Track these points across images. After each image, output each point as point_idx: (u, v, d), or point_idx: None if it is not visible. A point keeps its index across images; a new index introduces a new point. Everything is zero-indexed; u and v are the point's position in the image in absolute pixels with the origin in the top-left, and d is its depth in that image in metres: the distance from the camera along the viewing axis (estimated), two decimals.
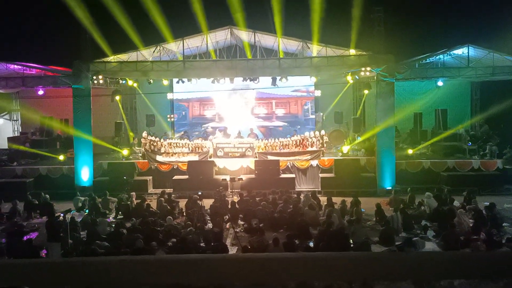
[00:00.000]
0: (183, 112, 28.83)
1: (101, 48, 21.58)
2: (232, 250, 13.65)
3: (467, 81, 25.95)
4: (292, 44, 23.35)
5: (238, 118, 27.71)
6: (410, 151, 22.78)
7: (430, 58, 22.48)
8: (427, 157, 23.00)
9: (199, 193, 18.37)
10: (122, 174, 21.67)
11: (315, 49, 22.42)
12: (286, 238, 13.05)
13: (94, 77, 21.87)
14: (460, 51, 22.02)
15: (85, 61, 21.64)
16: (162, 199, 18.40)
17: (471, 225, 14.63)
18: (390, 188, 20.66)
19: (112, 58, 22.39)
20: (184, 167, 22.43)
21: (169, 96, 27.59)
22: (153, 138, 23.36)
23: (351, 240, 13.39)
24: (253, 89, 25.28)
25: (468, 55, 21.43)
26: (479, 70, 21.49)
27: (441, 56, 22.43)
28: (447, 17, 25.24)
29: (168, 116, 27.75)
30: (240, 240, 13.96)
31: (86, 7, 19.79)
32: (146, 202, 17.98)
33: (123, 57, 22.70)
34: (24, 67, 22.38)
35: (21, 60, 22.85)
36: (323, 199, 18.74)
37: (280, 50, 22.63)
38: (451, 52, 22.19)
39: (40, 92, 24.23)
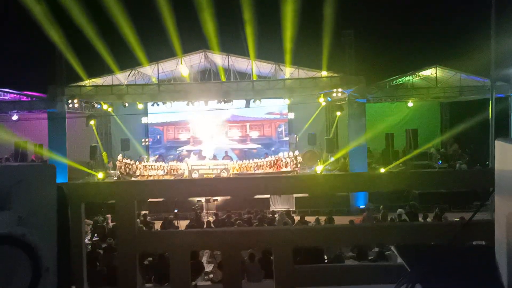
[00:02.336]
0: (158, 136, 28.80)
1: (76, 72, 21.58)
2: (208, 268, 13.55)
3: (437, 102, 26.83)
4: (265, 67, 23.84)
5: (213, 141, 27.82)
6: (382, 170, 23.16)
7: (400, 80, 23.24)
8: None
9: (175, 210, 18.30)
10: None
11: (288, 71, 22.95)
12: (261, 254, 13.03)
13: (69, 101, 21.77)
14: (429, 72, 22.87)
15: (60, 85, 21.57)
16: (138, 220, 18.17)
17: None
18: (363, 206, 20.92)
19: (87, 82, 22.41)
20: None
21: (144, 120, 27.62)
22: (128, 161, 23.23)
23: (325, 256, 13.45)
24: (227, 109, 25.49)
25: (436, 75, 22.27)
26: (447, 90, 22.33)
27: (410, 78, 23.22)
28: (416, 39, 26.23)
29: (143, 140, 27.69)
30: (216, 257, 13.88)
31: (61, 31, 19.87)
32: None
33: (98, 81, 22.74)
34: None
35: None
36: (298, 219, 18.80)
37: (254, 73, 23.06)
38: (420, 73, 23.01)
39: (14, 118, 23.89)
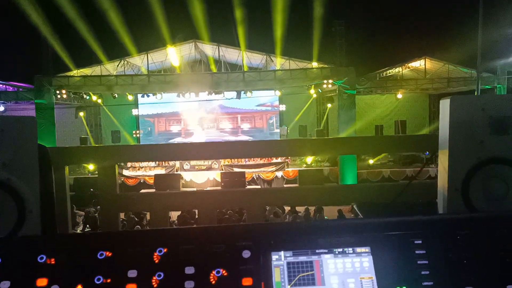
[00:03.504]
0: (149, 128, 28.59)
1: (63, 62, 21.30)
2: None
3: (426, 94, 26.98)
4: (256, 58, 23.75)
5: (204, 132, 27.70)
6: (371, 161, 23.30)
7: (390, 71, 23.32)
8: (388, 167, 23.57)
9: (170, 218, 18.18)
10: (89, 188, 21.22)
11: (279, 62, 22.88)
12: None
13: (57, 92, 21.46)
14: (418, 64, 22.96)
15: (47, 75, 21.26)
16: (125, 219, 18.06)
17: None
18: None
19: (75, 72, 22.12)
20: (151, 181, 22.14)
21: (134, 112, 27.37)
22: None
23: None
24: (217, 99, 25.40)
25: (425, 67, 22.38)
26: (435, 81, 22.44)
27: (400, 69, 23.30)
28: (406, 30, 26.34)
29: (134, 132, 27.44)
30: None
31: (47, 20, 19.56)
32: None
33: (86, 71, 22.47)
34: None
35: None
36: (288, 208, 18.82)
37: (244, 64, 22.97)
38: (409, 65, 23.11)
39: (1, 109, 23.52)
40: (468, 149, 1.86)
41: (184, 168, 22.56)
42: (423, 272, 1.30)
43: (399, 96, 25.84)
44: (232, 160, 22.80)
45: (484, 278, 1.29)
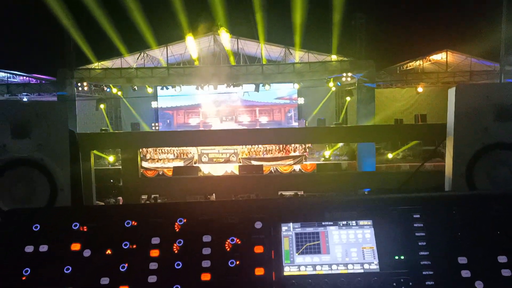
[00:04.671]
0: (168, 120, 28.96)
1: (85, 54, 21.71)
2: None
3: (447, 87, 26.54)
4: (275, 51, 23.78)
5: (222, 125, 27.92)
6: (390, 155, 23.14)
7: (410, 64, 23.07)
8: (407, 161, 23.37)
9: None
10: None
11: (298, 55, 22.86)
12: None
13: (79, 84, 21.92)
14: (439, 57, 22.65)
15: (69, 68, 21.73)
16: (149, 202, 18.45)
17: None
18: (370, 190, 20.92)
19: (96, 65, 22.54)
20: (170, 173, 22.46)
21: (154, 104, 27.76)
22: None
23: None
24: (236, 92, 25.55)
25: (447, 60, 22.06)
26: (457, 74, 22.10)
27: (420, 62, 23.03)
28: (427, 23, 25.93)
29: (153, 124, 27.85)
30: None
31: (70, 14, 19.95)
32: None
33: (107, 64, 22.86)
34: (8, 75, 22.39)
35: (5, 68, 22.86)
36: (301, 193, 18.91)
37: (263, 57, 23.02)
38: (430, 58, 22.81)
39: (24, 100, 24.16)
40: (473, 136, 1.95)
41: (202, 160, 22.83)
42: (420, 243, 1.41)
43: (420, 89, 25.55)
44: (250, 153, 22.97)
45: (476, 250, 1.40)
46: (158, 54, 23.40)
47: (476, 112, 1.95)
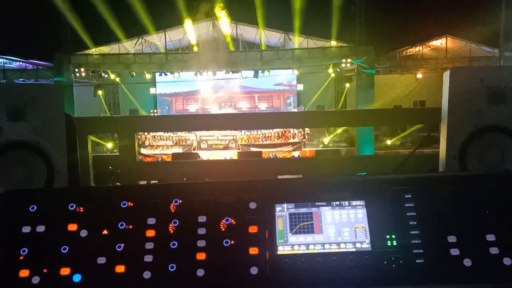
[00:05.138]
0: (167, 107, 28.91)
1: (82, 39, 21.55)
2: None
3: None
4: (274, 37, 23.64)
5: (221, 112, 27.87)
6: (388, 142, 23.19)
7: (410, 50, 22.97)
8: (405, 148, 23.41)
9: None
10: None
11: (297, 41, 22.74)
12: None
13: (76, 70, 21.82)
14: (439, 42, 22.54)
15: (66, 53, 21.59)
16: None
17: None
18: (365, 174, 21.04)
19: (93, 50, 22.40)
20: (168, 159, 22.50)
21: (152, 90, 27.67)
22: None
23: None
24: (235, 78, 25.48)
25: (446, 46, 21.96)
26: (456, 60, 22.02)
27: (420, 48, 22.93)
28: (427, 8, 25.73)
29: (152, 110, 27.78)
30: None
31: None
32: None
33: (104, 49, 22.73)
34: (4, 60, 22.26)
35: (1, 53, 22.72)
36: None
37: (262, 43, 22.89)
38: (430, 43, 22.71)
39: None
40: (466, 118, 1.96)
41: (201, 147, 22.85)
42: (411, 223, 1.44)
43: (419, 76, 25.50)
44: (249, 139, 22.98)
45: (465, 228, 1.43)
46: (156, 40, 23.25)
47: (469, 95, 1.96)
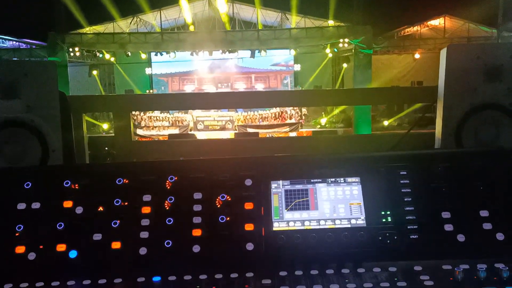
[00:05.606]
0: (163, 87, 28.72)
1: (76, 18, 21.19)
2: None
3: None
4: (271, 16, 23.35)
5: (218, 92, 27.75)
6: (385, 123, 23.20)
7: (408, 30, 22.77)
8: (402, 129, 23.44)
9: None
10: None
11: (294, 20, 22.49)
12: None
13: (70, 49, 21.55)
14: (437, 22, 22.35)
15: (60, 32, 21.27)
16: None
17: None
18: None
19: (88, 29, 22.08)
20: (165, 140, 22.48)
21: (148, 71, 27.44)
22: (133, 112, 23.31)
23: None
24: (231, 58, 25.28)
25: (444, 25, 21.79)
26: (454, 41, 21.88)
27: (418, 28, 22.74)
28: None
29: (148, 91, 27.60)
30: None
31: None
32: None
33: (99, 28, 22.40)
34: None
35: None
36: None
37: (259, 22, 22.62)
38: (428, 23, 22.51)
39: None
40: (462, 96, 1.96)
41: (198, 128, 22.81)
42: (406, 199, 1.45)
43: (417, 56, 25.33)
44: (246, 120, 22.93)
45: (460, 204, 1.44)
46: (152, 19, 22.93)
47: (466, 73, 1.95)
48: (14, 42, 22.37)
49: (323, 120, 23.45)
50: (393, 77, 26.08)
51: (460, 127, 1.98)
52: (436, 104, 2.19)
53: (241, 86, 28.42)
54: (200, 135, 22.49)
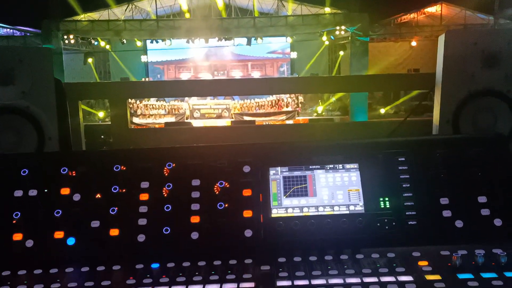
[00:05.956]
0: (158, 75, 28.53)
1: (70, 5, 20.92)
2: None
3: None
4: (268, 3, 23.15)
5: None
6: (382, 110, 23.21)
7: (404, 17, 22.66)
8: (399, 116, 23.46)
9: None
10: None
11: (290, 7, 22.31)
12: None
13: (65, 37, 21.32)
14: (434, 9, 22.25)
15: (54, 19, 21.01)
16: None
17: None
18: None
19: (82, 16, 21.83)
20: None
21: (143, 58, 27.23)
22: (129, 100, 23.19)
23: None
24: (227, 46, 25.11)
25: (441, 12, 21.69)
26: (451, 28, 21.81)
27: (415, 15, 22.63)
28: None
29: (143, 79, 27.42)
30: None
31: None
32: None
33: (94, 16, 22.15)
34: None
35: None
36: None
37: (255, 9, 22.43)
38: (425, 10, 22.40)
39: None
40: (460, 82, 1.95)
41: (194, 116, 22.74)
42: (404, 185, 1.45)
43: (413, 43, 25.25)
44: (243, 108, 22.88)
45: (458, 190, 1.44)
46: (147, 6, 22.68)
47: (464, 59, 1.94)
48: (8, 30, 22.11)
49: (320, 108, 23.42)
50: (389, 64, 26.01)
51: (458, 113, 1.98)
52: (433, 92, 2.19)
53: (237, 74, 28.28)
54: (197, 123, 22.42)
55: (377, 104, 25.72)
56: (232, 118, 22.47)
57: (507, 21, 20.02)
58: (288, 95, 23.00)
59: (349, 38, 22.20)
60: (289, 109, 22.67)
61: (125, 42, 23.65)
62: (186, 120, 22.42)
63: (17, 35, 22.22)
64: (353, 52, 21.92)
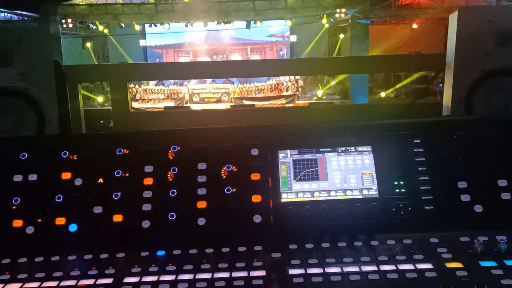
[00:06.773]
0: (157, 59, 28.32)
1: None
2: None
3: (442, 24, 26.00)
4: None
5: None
6: (382, 94, 23.11)
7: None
8: (400, 100, 23.35)
9: None
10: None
11: None
12: None
13: (63, 21, 21.08)
14: None
15: (52, 3, 20.74)
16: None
17: None
18: None
19: (80, 0, 21.57)
20: None
21: (142, 42, 27.00)
22: (128, 84, 23.03)
23: None
24: (226, 29, 24.86)
25: None
26: (453, 10, 21.53)
27: None
28: None
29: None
30: None
31: None
32: None
33: None
34: None
35: None
36: None
37: None
38: None
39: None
40: (473, 62, 1.89)
41: (194, 100, 22.64)
42: (420, 168, 1.39)
43: (414, 26, 24.99)
44: (242, 92, 22.76)
45: (476, 174, 1.38)
46: None
47: (477, 37, 1.87)
48: (5, 14, 21.82)
49: (320, 92, 23.31)
50: (390, 47, 25.78)
51: (471, 94, 1.91)
52: (442, 74, 2.12)
53: (236, 58, 28.06)
54: (196, 108, 22.35)
55: (377, 87, 25.61)
56: (232, 102, 22.37)
57: (510, 2, 19.78)
58: (288, 79, 22.87)
59: (349, 21, 21.97)
60: (289, 93, 22.56)
61: (123, 26, 23.40)
62: (185, 105, 22.33)
63: (14, 19, 21.95)
64: (354, 35, 21.72)
